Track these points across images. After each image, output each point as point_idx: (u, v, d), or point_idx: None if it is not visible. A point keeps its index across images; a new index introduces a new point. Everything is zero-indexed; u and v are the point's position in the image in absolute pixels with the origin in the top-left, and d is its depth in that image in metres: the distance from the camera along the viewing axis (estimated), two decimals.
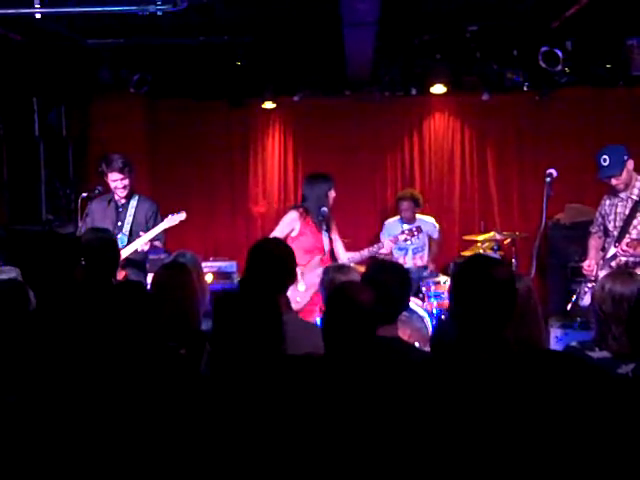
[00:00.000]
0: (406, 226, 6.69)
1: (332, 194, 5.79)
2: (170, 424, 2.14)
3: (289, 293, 5.79)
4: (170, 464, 2.08)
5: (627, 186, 4.96)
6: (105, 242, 3.87)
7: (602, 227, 5.20)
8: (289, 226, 5.86)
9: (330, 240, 5.83)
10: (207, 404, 2.19)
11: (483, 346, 2.20)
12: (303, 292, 5.79)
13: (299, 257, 5.96)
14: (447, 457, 2.00)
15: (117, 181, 5.30)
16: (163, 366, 2.41)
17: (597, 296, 2.98)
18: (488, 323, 2.22)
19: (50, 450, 2.11)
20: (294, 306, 5.76)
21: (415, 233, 5.78)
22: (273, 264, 3.35)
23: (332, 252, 5.86)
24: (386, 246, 5.65)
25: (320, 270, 5.79)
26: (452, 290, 2.39)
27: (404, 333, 3.49)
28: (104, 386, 2.21)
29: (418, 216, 6.92)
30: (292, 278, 3.46)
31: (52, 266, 2.97)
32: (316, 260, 5.80)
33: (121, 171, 5.28)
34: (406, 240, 5.83)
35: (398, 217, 6.87)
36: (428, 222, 6.93)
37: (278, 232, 5.92)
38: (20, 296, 2.85)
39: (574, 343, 3.02)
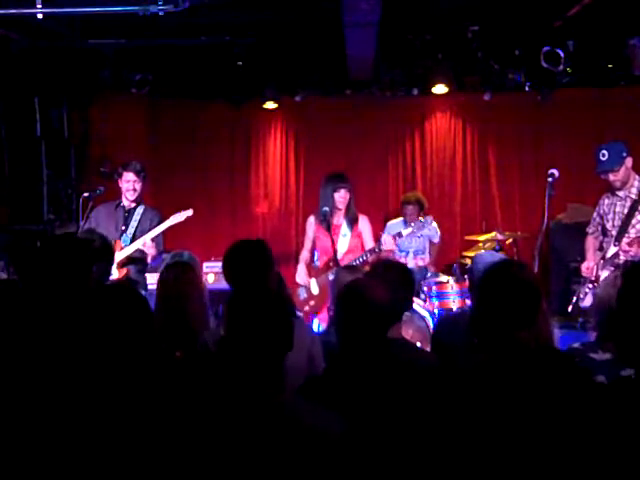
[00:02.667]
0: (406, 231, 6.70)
1: (339, 195, 5.78)
2: (162, 427, 2.13)
3: (303, 295, 5.92)
4: (162, 467, 2.07)
5: (625, 184, 4.95)
6: (98, 246, 3.83)
7: (600, 227, 5.19)
8: (309, 230, 5.98)
9: (356, 241, 5.85)
10: (199, 406, 2.19)
11: (503, 347, 2.19)
12: (316, 295, 5.83)
13: (319, 258, 6.04)
14: (469, 457, 1.99)
15: (130, 182, 5.35)
16: (156, 370, 2.40)
17: (605, 297, 2.95)
18: (511, 324, 2.22)
19: (39, 453, 2.10)
20: (307, 308, 5.82)
21: (423, 225, 5.79)
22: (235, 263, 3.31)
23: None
24: (387, 242, 5.61)
25: (332, 273, 5.83)
26: (478, 292, 2.38)
27: (406, 333, 3.49)
28: (95, 390, 2.21)
29: (419, 218, 6.90)
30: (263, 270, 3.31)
31: (70, 271, 2.92)
32: (330, 263, 5.83)
33: (137, 174, 5.34)
34: (413, 232, 5.82)
35: (401, 219, 6.85)
36: (430, 226, 6.90)
37: (305, 238, 6.05)
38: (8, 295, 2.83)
39: (576, 344, 3.00)
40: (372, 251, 5.67)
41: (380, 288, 2.64)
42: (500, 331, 2.20)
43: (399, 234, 5.74)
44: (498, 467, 1.94)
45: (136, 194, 5.40)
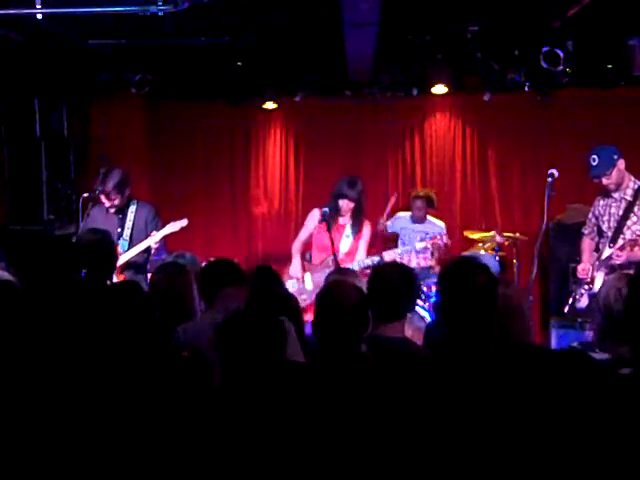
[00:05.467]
0: (418, 226, 6.71)
1: (342, 202, 5.80)
2: (169, 425, 2.14)
3: (293, 288, 5.95)
4: (168, 464, 2.08)
5: (619, 186, 4.96)
6: (102, 244, 3.89)
7: (595, 228, 5.20)
8: (310, 222, 6.01)
9: (355, 244, 5.88)
10: (207, 406, 2.19)
11: (466, 347, 2.22)
12: (310, 290, 5.82)
13: (314, 255, 6.06)
14: (439, 456, 2.00)
15: (105, 201, 5.38)
16: (164, 368, 2.41)
17: (610, 298, 2.96)
18: (468, 325, 2.25)
19: (46, 451, 2.10)
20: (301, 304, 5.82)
21: (440, 244, 5.86)
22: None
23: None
24: (387, 257, 5.69)
25: (329, 271, 5.84)
26: (437, 293, 2.45)
27: (406, 333, 3.50)
28: (102, 388, 2.21)
29: (429, 218, 6.90)
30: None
31: (52, 269, 2.96)
32: (328, 261, 5.83)
33: (107, 197, 5.34)
34: (426, 248, 5.90)
35: (409, 214, 6.88)
36: (438, 225, 6.91)
37: (303, 228, 6.07)
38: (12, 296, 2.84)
39: (575, 344, 3.02)
40: (374, 261, 5.73)
41: (353, 290, 2.65)
42: (458, 330, 2.24)
43: (413, 249, 5.86)
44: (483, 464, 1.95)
45: (114, 209, 5.42)
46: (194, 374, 2.50)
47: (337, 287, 2.70)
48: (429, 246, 5.89)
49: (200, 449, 2.06)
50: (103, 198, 5.38)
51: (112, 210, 5.41)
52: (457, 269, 2.39)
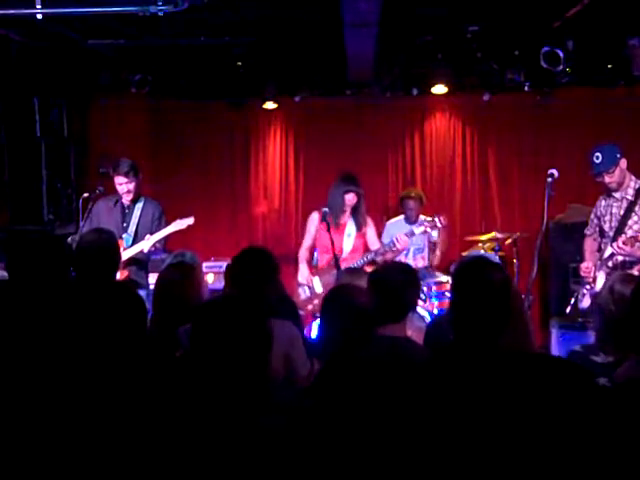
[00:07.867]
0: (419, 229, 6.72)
1: (348, 197, 5.81)
2: (159, 425, 2.13)
3: (305, 295, 5.94)
4: (159, 465, 2.07)
5: (621, 185, 4.97)
6: (105, 244, 3.86)
7: (597, 229, 5.21)
8: (311, 226, 6.02)
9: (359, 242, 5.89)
10: (199, 405, 2.18)
11: (476, 349, 2.20)
12: (320, 293, 5.83)
13: (319, 257, 6.07)
14: (439, 459, 2.00)
15: (122, 185, 5.38)
16: (154, 368, 2.41)
17: (604, 297, 2.95)
18: (481, 327, 2.22)
19: (38, 449, 2.10)
20: (310, 307, 5.83)
21: (437, 225, 5.85)
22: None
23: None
24: (402, 241, 5.69)
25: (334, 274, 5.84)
26: (450, 292, 2.42)
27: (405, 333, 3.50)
28: (93, 388, 2.21)
29: (421, 216, 6.90)
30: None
31: (45, 270, 2.96)
32: (332, 262, 5.84)
33: (126, 175, 5.36)
34: (425, 232, 5.89)
35: (402, 217, 6.86)
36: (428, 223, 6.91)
37: (306, 234, 6.07)
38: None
39: (577, 347, 3.01)
40: (378, 252, 5.72)
41: (362, 293, 2.65)
42: (472, 333, 2.22)
43: (411, 232, 5.79)
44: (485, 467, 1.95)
45: (131, 194, 5.42)
46: (185, 374, 2.50)
47: (347, 291, 2.70)
48: (428, 230, 5.91)
49: (192, 451, 2.05)
50: (120, 179, 5.37)
51: (128, 198, 5.40)
52: (472, 267, 2.37)
